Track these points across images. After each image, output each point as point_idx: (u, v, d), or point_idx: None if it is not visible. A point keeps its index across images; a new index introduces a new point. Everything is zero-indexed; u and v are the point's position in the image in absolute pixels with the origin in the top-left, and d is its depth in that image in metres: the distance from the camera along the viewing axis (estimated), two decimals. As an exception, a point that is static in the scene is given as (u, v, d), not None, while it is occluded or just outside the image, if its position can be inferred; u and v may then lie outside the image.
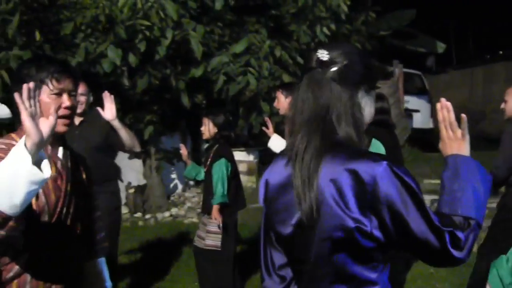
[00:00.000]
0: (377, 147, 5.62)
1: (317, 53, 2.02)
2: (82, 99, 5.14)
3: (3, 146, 2.46)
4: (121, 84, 8.69)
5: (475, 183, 1.92)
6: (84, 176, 2.83)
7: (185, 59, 8.59)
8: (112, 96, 4.90)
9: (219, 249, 5.78)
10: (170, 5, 7.44)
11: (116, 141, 5.20)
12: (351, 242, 1.87)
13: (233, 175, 6.26)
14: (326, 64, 1.99)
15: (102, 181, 5.07)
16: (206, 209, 6.13)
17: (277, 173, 2.09)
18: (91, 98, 5.34)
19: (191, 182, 12.21)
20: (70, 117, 2.63)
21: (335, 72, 1.98)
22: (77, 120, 5.20)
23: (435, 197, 10.10)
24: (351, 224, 1.85)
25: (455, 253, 1.83)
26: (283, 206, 2.01)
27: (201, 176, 6.37)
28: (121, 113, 9.52)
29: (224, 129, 6.00)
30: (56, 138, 2.63)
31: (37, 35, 7.35)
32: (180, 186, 12.44)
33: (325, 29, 8.79)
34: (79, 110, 5.09)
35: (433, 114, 16.65)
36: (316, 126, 1.97)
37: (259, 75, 8.03)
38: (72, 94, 2.63)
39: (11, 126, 7.04)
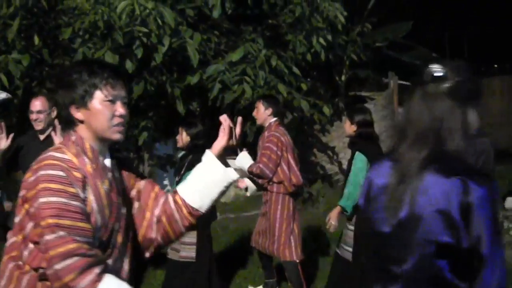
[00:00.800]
0: (360, 159, 5.74)
1: (432, 68, 2.13)
2: (41, 116, 5.09)
3: (62, 174, 2.27)
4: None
5: None
6: (125, 183, 2.65)
7: (181, 66, 8.64)
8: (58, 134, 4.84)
9: (194, 261, 5.76)
10: (168, 13, 7.49)
11: None
12: (455, 249, 1.97)
13: None
14: (440, 79, 2.10)
15: None
16: None
17: (382, 174, 2.19)
18: (54, 113, 5.16)
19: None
20: (124, 125, 2.48)
21: (449, 88, 2.09)
22: (42, 137, 5.17)
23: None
24: (456, 230, 1.96)
25: None
26: (385, 206, 2.10)
27: None
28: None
29: (197, 139, 6.00)
30: (107, 148, 2.52)
31: (36, 40, 7.40)
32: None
33: (321, 40, 8.84)
34: (38, 127, 5.10)
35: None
36: (427, 136, 2.08)
37: (254, 84, 8.08)
38: (125, 101, 2.48)
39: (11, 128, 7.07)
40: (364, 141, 5.86)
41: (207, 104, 8.80)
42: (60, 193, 2.22)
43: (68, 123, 2.45)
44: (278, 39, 9.52)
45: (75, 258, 2.14)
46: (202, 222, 6.14)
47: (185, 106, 8.75)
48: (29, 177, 2.30)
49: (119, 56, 7.40)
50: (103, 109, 2.40)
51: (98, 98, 2.40)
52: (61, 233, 2.16)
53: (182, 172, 6.12)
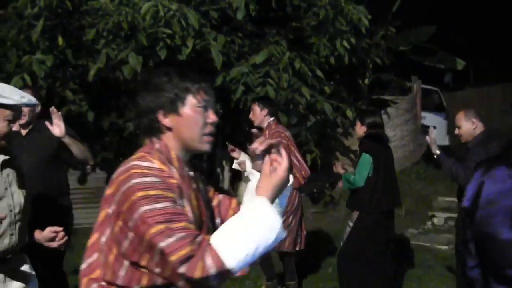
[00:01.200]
0: (364, 160, 5.87)
1: None
2: (26, 109, 4.91)
3: (157, 179, 2.06)
4: (140, 91, 8.74)
5: None
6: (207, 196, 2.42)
7: (204, 68, 8.62)
8: (60, 113, 4.70)
9: None
10: (191, 14, 7.47)
11: (65, 154, 4.95)
12: None
13: None
14: None
15: (55, 195, 4.97)
16: None
17: (497, 178, 2.14)
18: (38, 108, 5.10)
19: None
20: (213, 135, 2.27)
21: None
22: (23, 131, 5.02)
23: (450, 214, 10.04)
24: None
25: None
26: (504, 210, 2.07)
27: None
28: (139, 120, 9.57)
29: None
30: (189, 158, 2.28)
31: (60, 40, 7.41)
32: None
33: (345, 43, 8.78)
34: (22, 121, 4.93)
35: (449, 131, 16.63)
36: None
37: (278, 86, 8.04)
38: (215, 108, 2.29)
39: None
40: (372, 142, 5.97)
41: (230, 106, 8.77)
42: (162, 198, 2.03)
43: (153, 130, 2.23)
44: (301, 42, 9.47)
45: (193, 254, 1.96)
46: None
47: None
48: (115, 191, 2.11)
49: (142, 57, 7.40)
50: (196, 116, 2.20)
51: (190, 104, 2.20)
52: (180, 234, 1.98)
53: None
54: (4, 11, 7.40)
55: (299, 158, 6.50)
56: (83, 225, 7.17)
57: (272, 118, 6.47)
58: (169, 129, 2.20)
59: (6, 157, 3.53)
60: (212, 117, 2.24)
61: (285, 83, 8.08)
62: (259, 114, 6.46)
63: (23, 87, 5.41)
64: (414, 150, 13.52)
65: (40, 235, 3.63)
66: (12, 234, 3.45)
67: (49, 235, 3.59)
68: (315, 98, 8.78)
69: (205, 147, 2.24)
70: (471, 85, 22.57)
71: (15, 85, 6.78)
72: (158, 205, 2.00)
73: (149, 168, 2.10)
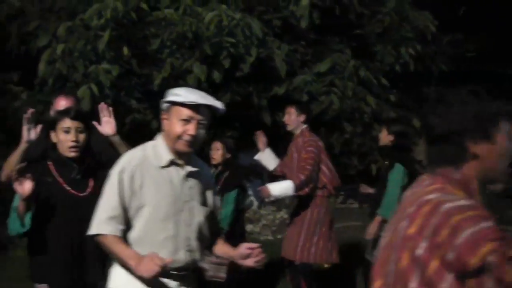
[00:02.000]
0: (398, 171, 5.74)
1: None
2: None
3: (471, 202, 1.84)
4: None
5: None
6: None
7: (267, 77, 8.59)
8: (111, 108, 4.30)
9: (223, 281, 5.75)
10: (255, 23, 7.47)
11: (111, 159, 4.24)
12: None
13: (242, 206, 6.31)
14: None
15: None
16: None
17: None
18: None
19: (267, 199, 12.19)
20: None
21: None
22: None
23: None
24: None
25: None
26: None
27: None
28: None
29: (236, 155, 6.03)
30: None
31: (125, 50, 7.50)
32: (255, 203, 12.43)
33: (410, 50, 8.65)
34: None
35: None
36: None
37: (343, 95, 7.95)
38: None
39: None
40: (401, 153, 5.87)
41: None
42: (484, 218, 1.79)
43: (455, 157, 1.97)
44: (365, 50, 9.35)
45: None
46: (236, 241, 6.07)
47: (271, 117, 8.71)
48: (420, 227, 1.88)
49: (206, 66, 7.42)
50: (508, 145, 1.94)
51: (504, 130, 1.94)
52: None
53: (218, 189, 6.01)
54: (72, 23, 7.52)
55: (331, 168, 6.40)
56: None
57: (306, 125, 6.40)
58: (475, 157, 1.95)
59: (193, 169, 3.34)
60: None
61: (350, 92, 7.98)
62: (295, 119, 6.40)
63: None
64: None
65: (234, 252, 3.42)
66: (189, 251, 3.30)
67: (245, 252, 3.36)
68: (380, 107, 8.65)
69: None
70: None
71: (82, 95, 6.92)
72: (484, 224, 1.77)
73: (456, 199, 1.86)
